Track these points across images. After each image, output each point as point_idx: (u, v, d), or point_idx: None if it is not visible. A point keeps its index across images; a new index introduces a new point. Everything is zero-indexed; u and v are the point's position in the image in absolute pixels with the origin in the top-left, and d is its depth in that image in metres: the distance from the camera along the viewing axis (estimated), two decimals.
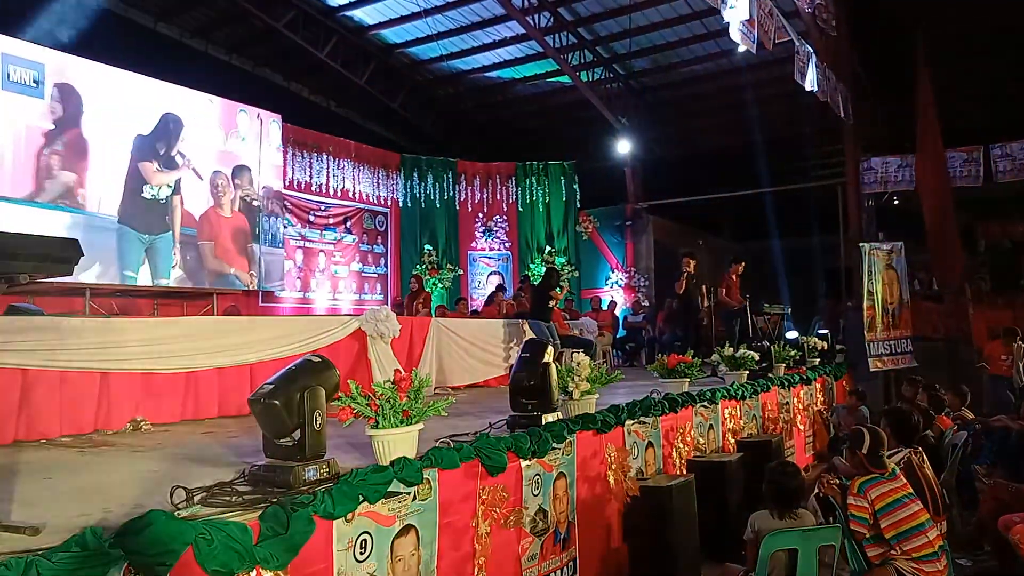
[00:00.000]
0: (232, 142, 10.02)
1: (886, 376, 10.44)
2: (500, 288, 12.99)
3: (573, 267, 15.42)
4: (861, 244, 10.85)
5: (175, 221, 9.20)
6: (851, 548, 3.85)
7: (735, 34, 7.26)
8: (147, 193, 8.88)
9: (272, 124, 10.72)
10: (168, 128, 9.16)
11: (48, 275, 2.63)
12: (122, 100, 8.64)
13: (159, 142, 9.05)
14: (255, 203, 10.21)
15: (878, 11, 12.04)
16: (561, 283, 9.65)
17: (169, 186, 9.11)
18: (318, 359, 2.95)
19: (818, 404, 9.26)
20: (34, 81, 8.16)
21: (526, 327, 8.63)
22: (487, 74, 15.30)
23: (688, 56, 14.38)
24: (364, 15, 13.31)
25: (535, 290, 9.50)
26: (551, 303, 8.90)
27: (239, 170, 10.04)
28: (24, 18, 8.72)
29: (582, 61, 14.26)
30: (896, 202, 13.86)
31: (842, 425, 8.33)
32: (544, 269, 13.82)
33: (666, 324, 12.69)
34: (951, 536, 4.46)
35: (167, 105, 9.20)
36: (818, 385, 9.40)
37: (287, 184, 12.10)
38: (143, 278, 8.63)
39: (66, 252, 2.58)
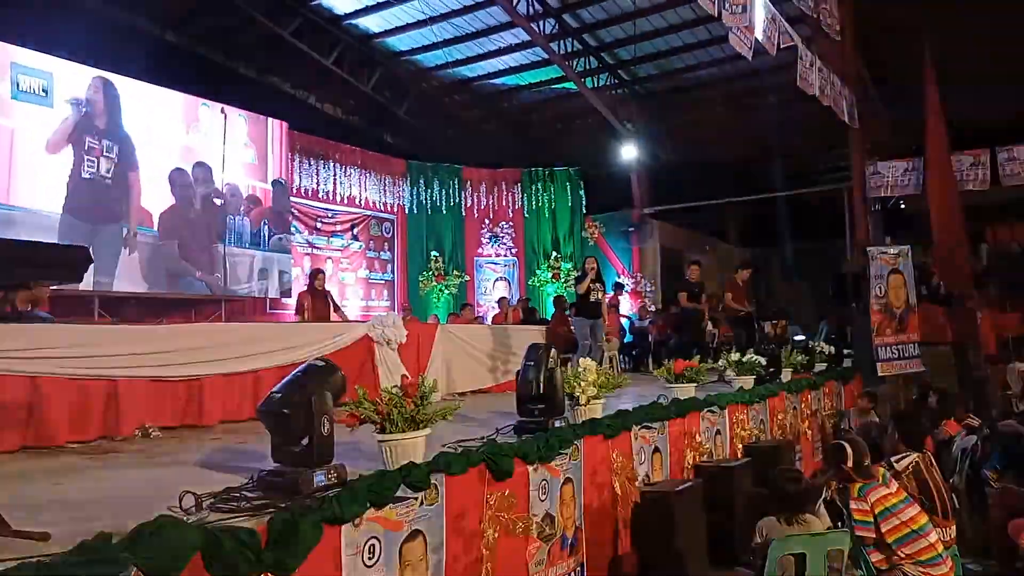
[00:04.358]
0: (193, 136, 9.76)
1: (896, 380, 10.39)
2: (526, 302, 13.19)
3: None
4: (868, 248, 10.82)
5: (129, 210, 8.83)
6: (860, 552, 3.84)
7: (733, 40, 7.26)
8: (86, 171, 8.51)
9: (239, 119, 10.42)
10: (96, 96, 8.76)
11: (56, 282, 2.66)
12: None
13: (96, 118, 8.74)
14: (217, 201, 9.96)
15: (883, 14, 12.03)
16: (587, 270, 8.60)
17: (109, 158, 8.71)
18: (322, 363, 2.95)
19: (826, 409, 9.23)
20: (43, 90, 8.25)
21: (530, 333, 8.63)
22: (492, 81, 15.34)
23: (693, 62, 14.40)
24: (370, 23, 13.37)
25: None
26: (591, 297, 8.36)
27: (199, 167, 9.81)
28: (34, 27, 8.72)
29: (587, 67, 14.30)
30: (903, 206, 13.81)
31: (852, 428, 8.30)
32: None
33: (672, 330, 12.67)
34: (961, 541, 4.44)
35: (135, 106, 9.02)
36: (826, 390, 9.37)
37: (294, 191, 12.14)
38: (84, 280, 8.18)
39: (74, 259, 2.62)
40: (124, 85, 9.13)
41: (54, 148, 8.25)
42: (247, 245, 10.54)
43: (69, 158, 8.41)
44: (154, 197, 9.29)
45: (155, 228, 9.25)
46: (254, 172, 10.89)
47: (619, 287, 14.52)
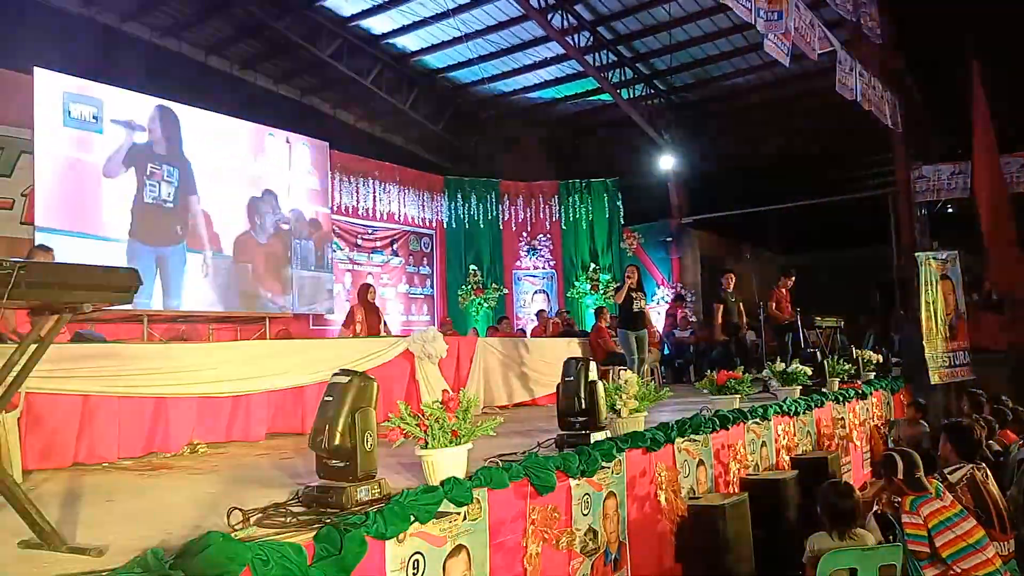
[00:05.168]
0: (260, 166, 10.12)
1: (946, 389, 10.12)
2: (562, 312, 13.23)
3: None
4: (917, 254, 10.58)
5: (198, 232, 9.16)
6: (913, 567, 3.74)
7: (770, 47, 7.17)
8: (148, 196, 8.73)
9: (301, 146, 10.76)
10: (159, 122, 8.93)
11: (110, 303, 2.74)
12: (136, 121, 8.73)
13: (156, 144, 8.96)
14: (285, 226, 10.30)
15: (926, 16, 11.80)
16: (625, 279, 8.52)
17: (170, 183, 8.95)
18: (347, 377, 2.89)
19: (875, 419, 9.02)
20: (93, 117, 8.51)
21: (569, 345, 8.58)
22: (528, 95, 15.41)
23: (729, 69, 14.29)
24: (407, 42, 13.56)
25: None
26: (633, 305, 8.20)
27: (268, 194, 10.16)
28: (85, 61, 9.01)
29: (622, 79, 14.28)
30: (950, 210, 13.48)
31: (902, 439, 8.10)
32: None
33: (712, 340, 12.52)
34: (1020, 555, 4.29)
35: (195, 132, 9.32)
36: (874, 399, 9.16)
37: (335, 209, 12.31)
38: (155, 300, 8.48)
39: (126, 281, 2.69)
40: (187, 114, 9.35)
41: (111, 172, 8.49)
42: (313, 268, 10.86)
43: (131, 184, 8.64)
44: (225, 223, 9.61)
45: (228, 252, 9.59)
46: (316, 198, 11.18)
47: (680, 298, 14.37)
